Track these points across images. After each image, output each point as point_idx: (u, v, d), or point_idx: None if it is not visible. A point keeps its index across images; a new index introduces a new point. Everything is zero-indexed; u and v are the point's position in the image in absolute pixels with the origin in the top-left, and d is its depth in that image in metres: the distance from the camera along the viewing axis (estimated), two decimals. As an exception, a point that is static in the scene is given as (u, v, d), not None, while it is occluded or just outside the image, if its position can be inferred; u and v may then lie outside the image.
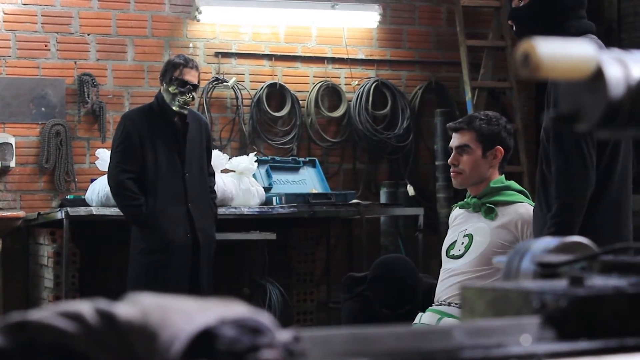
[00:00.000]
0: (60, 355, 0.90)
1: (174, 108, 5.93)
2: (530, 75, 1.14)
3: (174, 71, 5.97)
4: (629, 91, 1.15)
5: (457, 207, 4.49)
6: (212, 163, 6.99)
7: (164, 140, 5.94)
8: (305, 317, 7.55)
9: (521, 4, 3.84)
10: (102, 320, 0.90)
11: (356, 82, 8.45)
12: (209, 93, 8.05)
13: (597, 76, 1.17)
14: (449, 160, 4.39)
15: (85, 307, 0.91)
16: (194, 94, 5.99)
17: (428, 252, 7.45)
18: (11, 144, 7.49)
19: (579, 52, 1.16)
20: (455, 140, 4.37)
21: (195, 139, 6.06)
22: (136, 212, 5.86)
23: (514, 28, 3.89)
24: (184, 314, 0.90)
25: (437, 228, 7.94)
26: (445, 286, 4.25)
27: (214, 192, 6.29)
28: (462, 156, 4.33)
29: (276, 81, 8.22)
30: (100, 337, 0.90)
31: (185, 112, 5.96)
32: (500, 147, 4.32)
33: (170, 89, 5.95)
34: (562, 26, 3.74)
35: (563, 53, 1.15)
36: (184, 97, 5.92)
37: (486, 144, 4.32)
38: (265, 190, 7.47)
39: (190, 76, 5.96)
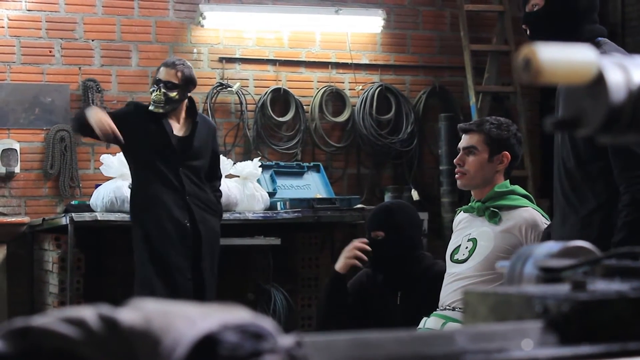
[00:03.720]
0: (63, 360, 0.91)
1: (150, 108, 5.96)
2: (531, 81, 1.14)
3: (156, 75, 6.07)
4: (630, 96, 1.16)
5: (461, 211, 4.50)
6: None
7: (158, 135, 5.93)
8: (310, 322, 7.55)
9: (535, 9, 3.84)
10: (104, 325, 0.90)
11: (360, 87, 8.45)
12: (213, 98, 8.06)
13: (598, 81, 1.17)
14: (455, 160, 4.41)
15: (88, 313, 0.92)
16: (166, 91, 5.94)
17: (433, 256, 7.43)
18: (16, 150, 7.50)
19: (580, 57, 1.16)
20: (463, 141, 4.40)
21: (202, 142, 6.06)
22: (81, 112, 5.87)
23: (528, 32, 3.88)
24: (186, 320, 0.90)
25: (442, 232, 7.93)
26: (450, 291, 4.25)
27: (220, 191, 6.31)
28: (468, 157, 4.35)
29: (280, 86, 8.22)
30: (103, 342, 0.90)
31: (160, 110, 5.94)
32: (507, 152, 4.33)
33: (150, 90, 6.06)
34: (575, 30, 3.75)
35: (564, 58, 1.15)
36: (154, 94, 5.94)
37: (494, 147, 4.33)
38: (269, 196, 7.47)
39: (164, 74, 5.97)
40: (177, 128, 6.03)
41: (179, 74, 5.97)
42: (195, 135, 6.02)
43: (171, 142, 5.94)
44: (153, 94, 5.96)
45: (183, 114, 6.06)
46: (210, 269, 5.99)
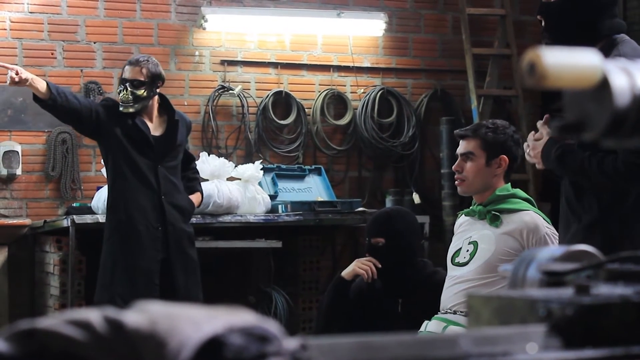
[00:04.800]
0: (69, 363, 0.91)
1: (120, 109, 5.88)
2: (536, 85, 1.14)
3: (121, 75, 6.00)
4: (635, 100, 1.16)
5: (463, 215, 4.50)
6: (218, 171, 7.02)
7: (136, 133, 5.87)
8: (311, 325, 7.54)
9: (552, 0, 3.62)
10: (110, 328, 0.91)
11: (362, 90, 8.45)
12: (215, 101, 8.06)
13: (603, 85, 1.17)
14: (453, 167, 4.41)
15: (94, 315, 0.92)
16: (133, 90, 5.86)
17: (434, 259, 7.40)
18: (17, 152, 7.50)
19: (585, 61, 1.16)
20: (461, 147, 4.40)
21: (182, 139, 6.03)
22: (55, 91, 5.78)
23: (543, 24, 3.66)
24: (191, 322, 0.90)
25: (443, 236, 7.93)
26: (451, 294, 4.25)
27: (198, 171, 6.39)
28: (466, 163, 4.35)
29: (282, 89, 8.23)
30: (108, 345, 0.90)
31: (131, 110, 5.86)
32: (505, 156, 4.32)
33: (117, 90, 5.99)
34: (594, 25, 3.55)
35: (569, 62, 1.16)
36: (121, 94, 5.86)
37: (490, 152, 4.32)
38: (271, 198, 7.47)
39: (129, 73, 5.89)
40: (152, 127, 5.95)
41: (144, 70, 5.88)
42: (177, 134, 5.97)
43: (150, 140, 5.89)
44: (120, 94, 5.87)
45: (155, 112, 5.99)
46: (184, 272, 5.90)
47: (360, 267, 4.68)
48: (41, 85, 5.70)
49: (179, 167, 6.05)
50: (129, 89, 5.85)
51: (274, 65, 8.25)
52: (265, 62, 8.22)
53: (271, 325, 0.94)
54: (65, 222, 6.80)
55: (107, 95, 7.70)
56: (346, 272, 4.72)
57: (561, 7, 3.60)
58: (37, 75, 7.57)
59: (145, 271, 5.78)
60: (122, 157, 5.86)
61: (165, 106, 6.03)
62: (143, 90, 5.86)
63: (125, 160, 5.85)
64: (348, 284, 4.70)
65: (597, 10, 3.57)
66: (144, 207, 5.83)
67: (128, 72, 5.89)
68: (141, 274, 5.77)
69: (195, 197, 6.19)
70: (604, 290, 1.23)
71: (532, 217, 4.25)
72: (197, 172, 6.38)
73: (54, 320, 0.92)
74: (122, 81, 5.91)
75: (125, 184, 5.86)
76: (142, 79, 5.87)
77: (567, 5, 3.58)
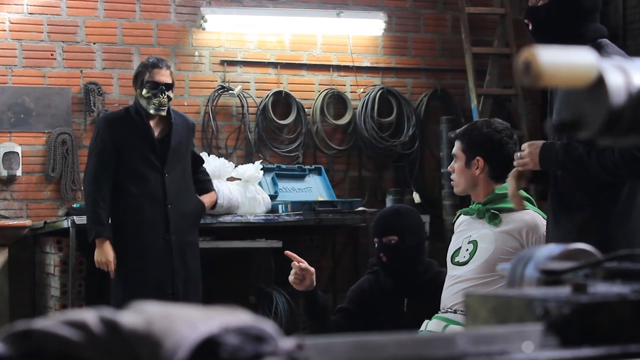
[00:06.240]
0: (65, 363, 0.91)
1: (150, 112, 5.85)
2: (531, 84, 1.14)
3: (144, 75, 5.92)
4: (630, 99, 1.16)
5: (461, 214, 4.50)
6: (218, 172, 7.01)
7: (141, 142, 5.87)
8: (311, 324, 7.55)
9: (539, 4, 3.75)
10: (106, 328, 0.91)
11: (361, 90, 8.45)
12: (215, 101, 8.06)
13: (598, 84, 1.17)
14: (448, 168, 4.47)
15: (90, 316, 0.92)
16: (168, 93, 5.90)
17: (435, 259, 7.41)
18: (17, 153, 7.51)
19: (580, 60, 1.16)
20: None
21: (182, 140, 6.01)
22: (97, 230, 5.84)
23: (530, 27, 3.79)
24: (187, 322, 0.90)
25: (443, 235, 7.93)
26: (451, 293, 4.25)
27: (208, 174, 6.43)
28: (455, 164, 4.39)
29: (282, 89, 8.23)
30: (104, 345, 0.90)
31: (163, 113, 5.89)
32: (480, 158, 4.31)
33: (143, 93, 5.90)
34: (578, 29, 3.69)
35: (564, 61, 1.16)
36: (157, 98, 5.85)
37: (468, 154, 4.33)
38: (271, 198, 7.47)
39: (162, 76, 5.89)
40: (157, 130, 5.97)
41: (170, 72, 5.97)
42: (176, 135, 5.95)
43: (155, 145, 5.89)
44: (156, 99, 5.85)
45: None
46: (184, 283, 5.90)
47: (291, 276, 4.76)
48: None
49: (187, 170, 6.04)
50: (165, 92, 5.88)
51: (274, 65, 8.25)
52: (265, 62, 8.23)
53: (267, 325, 0.94)
54: (66, 223, 6.80)
55: (106, 96, 7.72)
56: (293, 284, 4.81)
57: (548, 12, 3.73)
58: (36, 77, 7.62)
59: (157, 282, 5.78)
60: (127, 173, 5.83)
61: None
62: (172, 93, 5.95)
63: (131, 175, 5.83)
64: (309, 294, 4.75)
65: (580, 15, 3.71)
66: (151, 221, 5.82)
67: (159, 75, 5.89)
68: (153, 287, 5.75)
69: (209, 197, 6.22)
70: (602, 288, 1.23)
71: (532, 216, 4.25)
72: (207, 175, 6.39)
73: (50, 321, 0.92)
74: (155, 85, 5.87)
75: (131, 200, 5.84)
76: (171, 81, 5.95)
77: (552, 10, 3.72)
